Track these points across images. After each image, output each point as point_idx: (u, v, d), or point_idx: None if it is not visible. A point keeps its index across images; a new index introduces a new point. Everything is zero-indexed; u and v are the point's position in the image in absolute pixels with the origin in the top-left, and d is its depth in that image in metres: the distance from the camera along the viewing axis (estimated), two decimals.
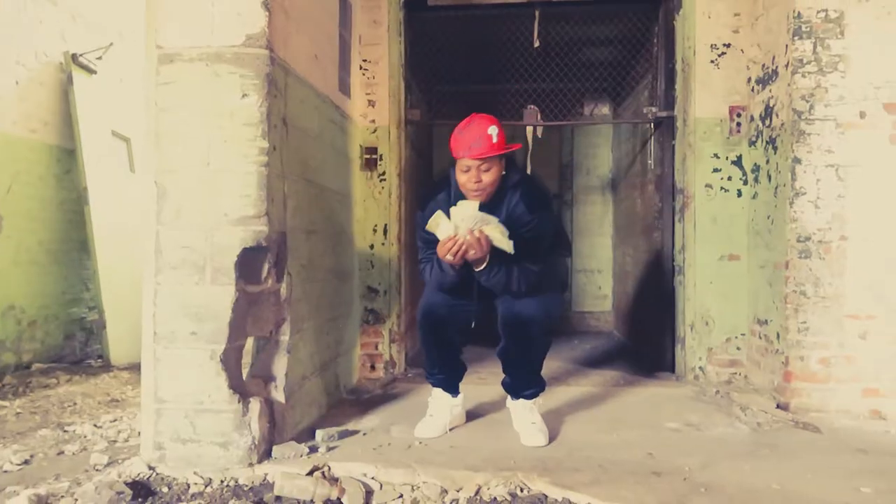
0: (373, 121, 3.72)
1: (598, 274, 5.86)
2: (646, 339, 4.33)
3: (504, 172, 2.50)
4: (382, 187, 3.72)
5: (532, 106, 4.12)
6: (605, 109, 5.67)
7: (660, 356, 3.92)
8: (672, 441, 2.60)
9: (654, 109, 3.90)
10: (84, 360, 4.63)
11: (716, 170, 3.58)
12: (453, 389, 2.74)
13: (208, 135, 2.29)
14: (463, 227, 2.37)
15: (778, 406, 3.05)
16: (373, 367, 3.72)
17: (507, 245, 2.37)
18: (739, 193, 3.56)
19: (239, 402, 2.30)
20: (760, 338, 3.36)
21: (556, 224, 2.69)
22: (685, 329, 3.61)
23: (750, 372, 3.49)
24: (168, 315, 2.30)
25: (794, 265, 3.04)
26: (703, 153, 3.58)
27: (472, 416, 2.88)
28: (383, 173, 3.71)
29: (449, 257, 2.39)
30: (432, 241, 2.48)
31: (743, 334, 3.54)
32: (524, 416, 2.62)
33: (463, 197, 2.51)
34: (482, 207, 2.44)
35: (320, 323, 2.97)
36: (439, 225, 2.41)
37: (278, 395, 2.49)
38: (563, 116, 4.59)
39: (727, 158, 3.57)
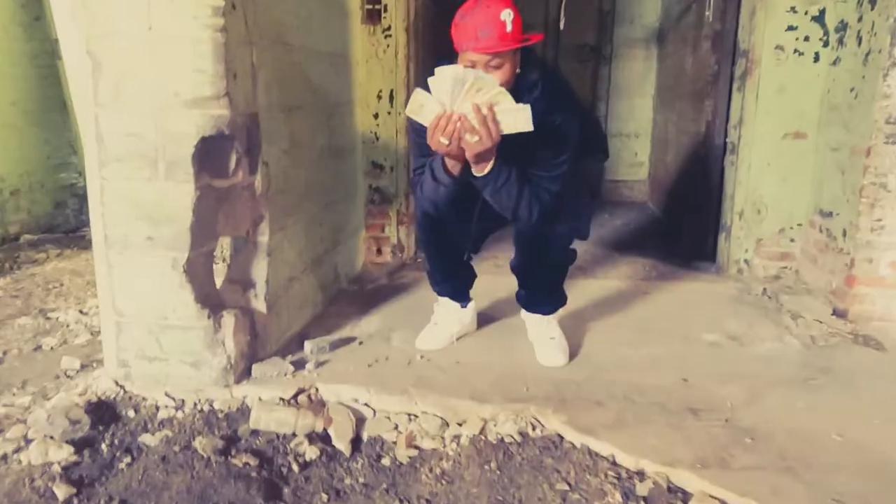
0: None
1: (636, 139, 5.29)
2: (684, 220, 3.89)
3: (519, 70, 1.94)
4: (388, 45, 3.15)
5: None
6: None
7: (699, 243, 3.50)
8: (710, 360, 2.26)
9: None
10: (80, 229, 4.36)
11: (790, 27, 2.93)
12: (462, 298, 2.40)
13: None
14: (450, 99, 1.77)
15: (834, 312, 2.67)
16: (379, 252, 3.38)
17: (523, 121, 1.77)
18: (816, 57, 2.94)
19: (209, 317, 1.98)
20: (821, 231, 2.91)
21: (591, 122, 2.12)
22: (732, 216, 3.15)
23: (803, 268, 3.08)
24: (119, 217, 1.92)
25: (878, 151, 2.52)
26: (777, 5, 2.92)
27: (483, 317, 2.55)
28: (388, 28, 3.13)
29: (443, 141, 1.80)
30: (422, 143, 1.95)
31: (800, 224, 3.09)
32: (541, 329, 2.28)
33: None
34: None
35: (313, 213, 2.58)
36: (423, 107, 1.82)
37: (259, 303, 2.16)
38: None
39: (806, 13, 2.91)
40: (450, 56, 1.95)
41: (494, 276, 2.99)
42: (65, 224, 4.34)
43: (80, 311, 2.94)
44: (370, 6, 3.11)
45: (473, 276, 2.43)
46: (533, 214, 1.96)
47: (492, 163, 1.87)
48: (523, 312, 2.36)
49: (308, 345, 2.27)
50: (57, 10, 2.19)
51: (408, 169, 3.30)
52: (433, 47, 3.87)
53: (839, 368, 2.21)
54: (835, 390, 2.06)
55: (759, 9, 2.93)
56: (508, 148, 1.85)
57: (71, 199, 4.39)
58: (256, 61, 2.02)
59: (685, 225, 3.79)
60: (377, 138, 3.24)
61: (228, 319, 2.01)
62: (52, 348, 2.55)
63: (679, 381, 2.09)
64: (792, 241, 3.11)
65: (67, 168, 4.35)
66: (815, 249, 2.96)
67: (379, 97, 3.20)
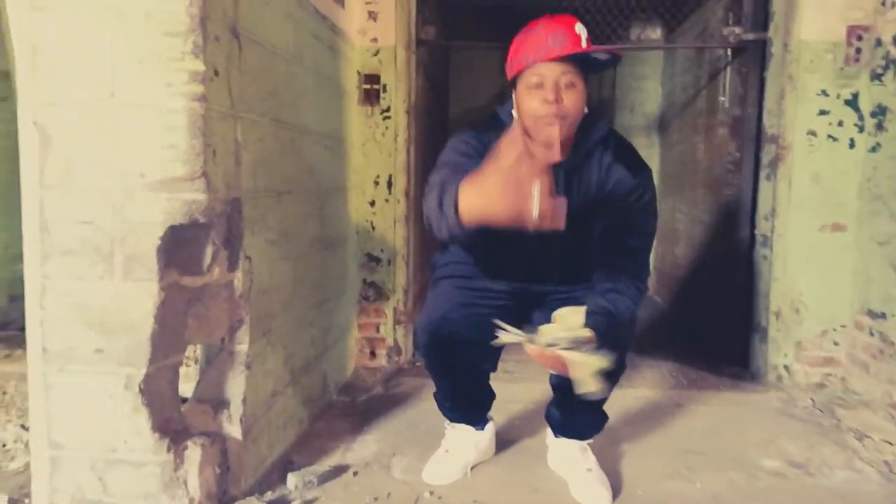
0: (374, 39, 2.86)
1: None
2: (704, 319, 3.58)
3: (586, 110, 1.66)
4: (387, 127, 2.89)
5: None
6: (655, 33, 4.73)
7: (725, 344, 3.17)
8: (779, 497, 1.87)
9: (737, 30, 3.01)
10: None
11: (822, 112, 2.72)
12: (479, 421, 2.01)
13: (112, 49, 1.48)
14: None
15: None
16: (373, 354, 3.00)
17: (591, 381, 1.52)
18: (852, 144, 2.71)
19: (169, 449, 1.57)
20: (872, 334, 2.59)
21: None
22: (768, 316, 2.84)
23: (851, 375, 2.74)
24: (63, 324, 1.55)
25: None
26: (807, 89, 2.72)
27: (497, 437, 2.15)
28: (387, 109, 2.88)
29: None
30: (460, 164, 1.57)
31: (843, 326, 2.77)
32: (575, 458, 1.89)
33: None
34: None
35: (300, 314, 2.22)
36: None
37: (233, 428, 1.76)
38: (606, 40, 3.69)
39: (839, 97, 2.71)
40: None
41: (504, 384, 2.61)
42: (20, 320, 3.90)
43: (22, 427, 2.50)
44: (368, 86, 2.87)
45: (493, 396, 2.05)
46: (632, 314, 1.66)
47: None
48: (551, 437, 1.97)
49: (292, 479, 1.85)
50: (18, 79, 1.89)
51: (408, 262, 2.97)
52: (430, 131, 3.64)
53: None
54: None
55: (787, 92, 2.73)
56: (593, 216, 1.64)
57: None
58: (241, 138, 1.71)
59: (707, 324, 3.46)
60: (373, 228, 2.93)
61: (193, 452, 1.61)
62: None
63: None
64: (836, 344, 2.79)
65: None
66: (866, 355, 2.63)
67: (376, 183, 2.91)
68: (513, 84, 1.64)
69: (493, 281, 1.81)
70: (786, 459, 2.11)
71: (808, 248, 2.76)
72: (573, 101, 1.55)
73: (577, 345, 1.50)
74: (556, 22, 1.58)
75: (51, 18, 1.48)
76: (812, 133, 2.73)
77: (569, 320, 1.53)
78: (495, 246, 1.70)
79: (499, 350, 1.97)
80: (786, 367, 2.82)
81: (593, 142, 1.67)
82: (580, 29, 1.57)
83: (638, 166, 1.69)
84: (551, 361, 1.52)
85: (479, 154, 1.58)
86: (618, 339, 1.58)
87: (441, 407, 2.01)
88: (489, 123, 1.72)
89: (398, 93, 2.88)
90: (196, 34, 1.48)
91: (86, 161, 1.50)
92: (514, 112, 1.67)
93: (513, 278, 1.80)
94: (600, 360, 1.49)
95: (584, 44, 1.55)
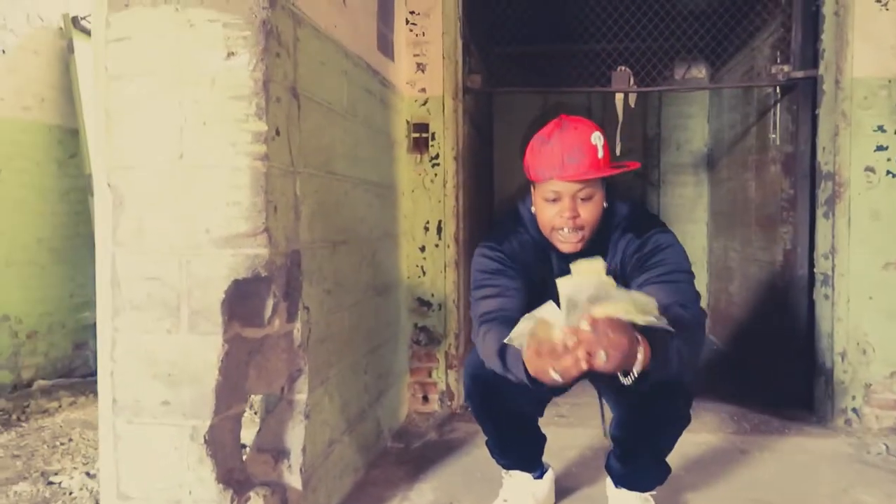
0: (423, 90, 2.94)
1: None
2: (763, 359, 3.47)
3: (606, 204, 1.67)
4: (435, 174, 2.94)
5: (623, 67, 3.27)
6: (700, 72, 4.73)
7: (787, 386, 3.07)
8: None
9: (785, 68, 2.99)
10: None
11: (880, 147, 2.67)
12: (535, 467, 1.98)
13: (180, 114, 1.55)
14: (576, 310, 1.27)
15: None
16: (425, 399, 3.00)
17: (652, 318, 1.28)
18: None
19: (232, 501, 1.59)
20: None
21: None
22: (832, 357, 2.74)
23: None
24: (132, 376, 1.60)
25: None
26: (862, 126, 2.67)
27: (556, 485, 2.10)
28: (436, 156, 2.94)
29: (554, 376, 1.27)
30: (496, 284, 1.66)
31: None
32: None
33: (545, 243, 1.70)
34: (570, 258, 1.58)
35: (355, 361, 2.24)
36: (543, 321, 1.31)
37: (293, 478, 1.77)
38: (651, 81, 3.70)
39: None
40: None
41: (559, 429, 2.59)
42: (83, 367, 4.04)
43: (87, 474, 2.57)
44: (417, 135, 2.93)
45: (543, 439, 2.01)
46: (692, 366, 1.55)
47: (640, 353, 1.31)
48: (611, 487, 1.92)
49: None
50: (92, 144, 2.01)
51: (459, 306, 2.98)
52: (477, 176, 3.68)
53: None
54: None
55: (842, 128, 2.68)
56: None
57: (92, 340, 4.11)
58: (300, 192, 1.76)
59: (767, 364, 3.36)
60: (424, 273, 2.95)
61: (256, 503, 1.62)
62: None
63: None
64: None
65: (91, 307, 4.10)
66: None
67: (426, 229, 2.94)
68: (531, 182, 1.69)
69: None
70: None
71: (871, 287, 2.68)
72: (590, 212, 1.61)
73: (600, 294, 1.27)
74: (571, 134, 1.57)
75: (125, 86, 1.57)
76: (870, 169, 2.67)
77: (587, 267, 1.34)
78: None
79: (545, 394, 1.94)
80: (855, 411, 2.71)
81: (615, 221, 1.70)
82: (596, 139, 1.57)
83: (644, 228, 1.66)
84: (607, 338, 1.22)
85: (507, 266, 1.69)
86: (691, 342, 1.47)
87: (493, 454, 1.99)
88: (510, 227, 1.77)
89: (446, 140, 2.93)
90: (259, 97, 1.55)
91: (155, 220, 1.57)
92: (533, 210, 1.71)
93: None
94: (641, 297, 1.29)
95: (600, 153, 1.57)
